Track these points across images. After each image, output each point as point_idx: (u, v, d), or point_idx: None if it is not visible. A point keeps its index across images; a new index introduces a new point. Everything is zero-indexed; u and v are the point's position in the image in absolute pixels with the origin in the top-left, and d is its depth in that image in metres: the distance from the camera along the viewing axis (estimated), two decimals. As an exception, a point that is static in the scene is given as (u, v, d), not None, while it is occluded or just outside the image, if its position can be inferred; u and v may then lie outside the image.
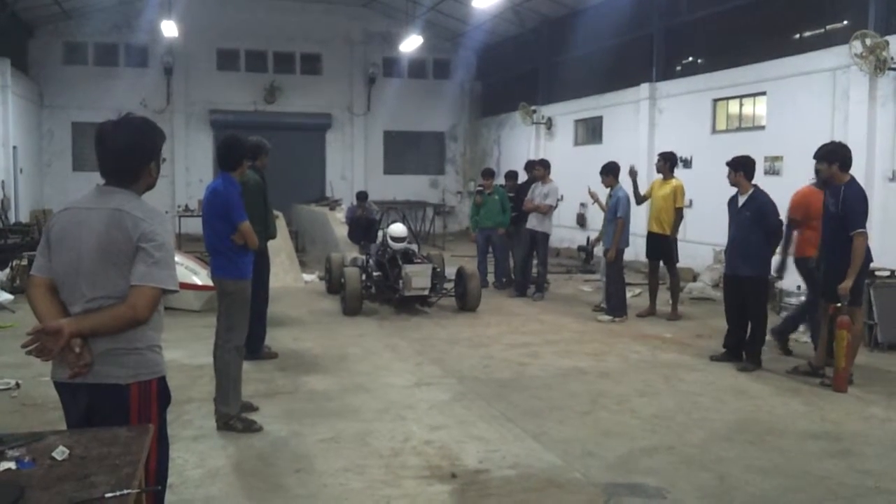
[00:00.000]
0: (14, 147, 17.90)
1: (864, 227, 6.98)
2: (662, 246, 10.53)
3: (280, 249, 12.61)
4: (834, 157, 7.19)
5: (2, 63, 17.09)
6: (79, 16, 21.63)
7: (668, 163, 10.61)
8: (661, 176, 10.72)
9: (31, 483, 2.39)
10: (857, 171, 7.57)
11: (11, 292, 11.15)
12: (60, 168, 21.90)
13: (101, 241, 3.05)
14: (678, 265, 10.84)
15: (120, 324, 3.02)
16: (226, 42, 23.22)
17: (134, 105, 21.04)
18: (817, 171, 7.58)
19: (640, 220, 12.91)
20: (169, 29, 19.14)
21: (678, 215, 10.45)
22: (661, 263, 10.77)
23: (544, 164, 12.53)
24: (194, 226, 15.79)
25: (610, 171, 10.75)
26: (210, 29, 22.50)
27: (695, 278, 13.12)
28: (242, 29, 22.93)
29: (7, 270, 12.10)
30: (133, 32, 22.05)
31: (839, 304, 7.07)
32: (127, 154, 3.17)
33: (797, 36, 12.92)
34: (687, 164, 14.38)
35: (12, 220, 17.23)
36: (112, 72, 22.27)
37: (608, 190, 10.75)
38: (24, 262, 11.56)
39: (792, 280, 10.65)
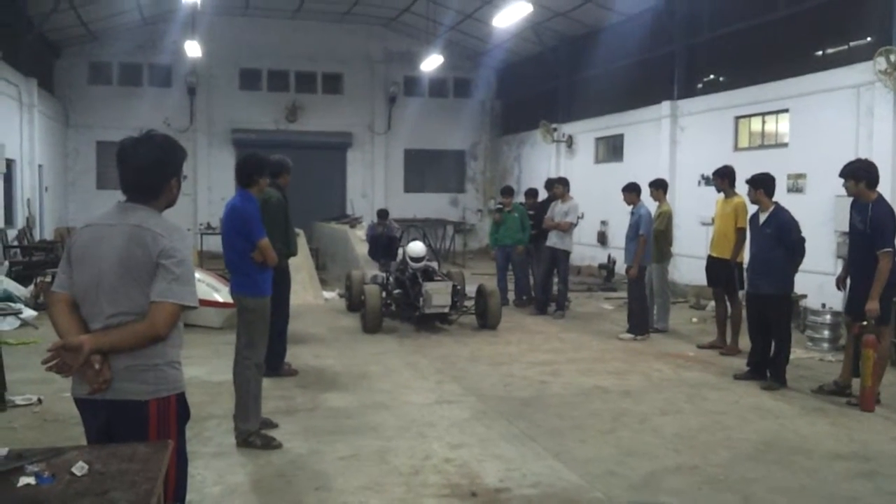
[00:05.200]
0: (40, 165, 18.16)
1: (892, 245, 6.88)
2: (722, 271, 9.45)
3: (301, 267, 12.65)
4: (861, 174, 7.11)
5: (29, 83, 17.35)
6: (104, 37, 21.96)
7: (726, 179, 9.55)
8: (722, 195, 9.69)
9: (50, 498, 2.39)
10: (882, 188, 7.47)
11: (35, 309, 11.25)
12: (85, 186, 22.15)
13: (122, 257, 3.05)
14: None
15: (140, 340, 3.02)
16: (248, 62, 23.46)
17: (157, 124, 21.34)
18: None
19: (690, 243, 12.87)
20: (192, 49, 19.39)
21: (740, 237, 9.25)
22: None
23: (564, 182, 12.50)
24: (216, 243, 15.90)
25: (633, 189, 10.68)
26: (233, 49, 22.76)
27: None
28: (265, 49, 23.17)
29: (31, 287, 12.22)
30: (157, 53, 22.35)
31: (865, 323, 6.98)
32: (148, 171, 3.18)
33: (820, 53, 12.83)
34: (709, 181, 14.28)
35: (37, 237, 17.43)
36: (136, 91, 22.57)
37: (630, 207, 10.68)
38: (48, 279, 11.67)
39: (816, 298, 10.57)
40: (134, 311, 3.04)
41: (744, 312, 8.64)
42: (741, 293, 9.15)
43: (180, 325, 3.19)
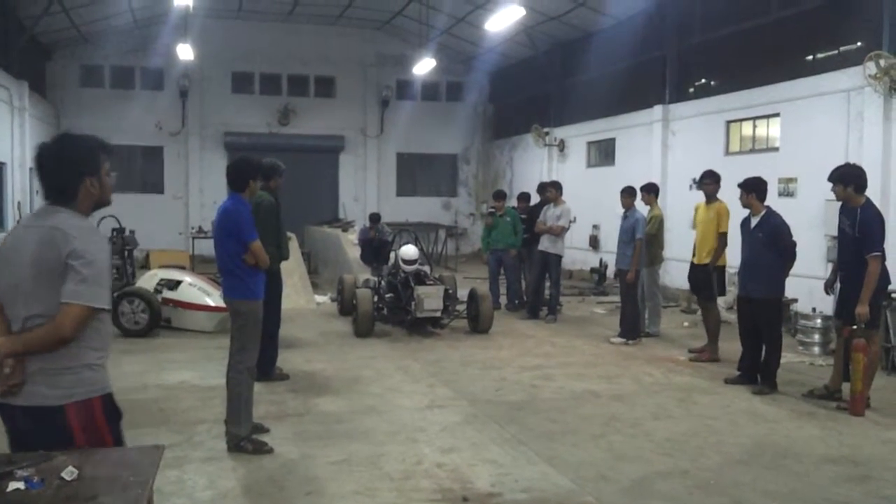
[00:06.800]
0: (31, 168, 18.05)
1: (880, 249, 6.93)
2: (700, 276, 9.42)
3: (293, 271, 12.63)
4: (849, 179, 7.15)
5: (20, 85, 17.29)
6: (96, 39, 21.88)
7: (717, 184, 9.55)
8: (703, 202, 9.71)
9: (39, 503, 2.38)
10: (872, 192, 7.52)
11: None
12: (76, 190, 22.00)
13: (35, 259, 2.99)
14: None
15: (47, 343, 2.94)
16: (241, 65, 23.42)
17: (149, 127, 21.76)
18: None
19: (681, 247, 12.91)
20: (184, 52, 19.33)
21: (720, 242, 9.24)
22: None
23: (556, 186, 12.53)
24: (208, 247, 15.87)
25: (631, 193, 10.70)
26: (225, 52, 22.70)
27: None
28: (257, 52, 23.12)
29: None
30: (149, 55, 22.26)
31: (855, 327, 7.01)
32: (55, 171, 3.14)
33: (811, 57, 12.89)
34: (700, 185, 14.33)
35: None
36: (128, 94, 22.46)
37: (623, 210, 10.69)
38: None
39: (807, 302, 10.61)
40: (48, 314, 2.95)
41: (733, 316, 8.66)
42: (729, 298, 9.19)
43: (102, 326, 3.09)
